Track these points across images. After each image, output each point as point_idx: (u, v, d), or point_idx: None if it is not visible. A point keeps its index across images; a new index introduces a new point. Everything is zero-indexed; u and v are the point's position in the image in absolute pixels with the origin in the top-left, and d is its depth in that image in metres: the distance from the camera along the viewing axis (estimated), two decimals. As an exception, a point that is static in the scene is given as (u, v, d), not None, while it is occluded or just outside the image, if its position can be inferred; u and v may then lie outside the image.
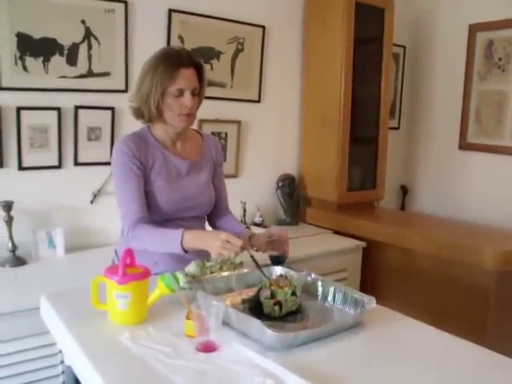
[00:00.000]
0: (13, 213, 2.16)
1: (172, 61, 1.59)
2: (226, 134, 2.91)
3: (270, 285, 1.41)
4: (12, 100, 2.20)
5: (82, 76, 2.36)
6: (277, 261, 1.66)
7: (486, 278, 2.37)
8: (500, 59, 3.24)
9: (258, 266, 1.55)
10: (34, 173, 2.29)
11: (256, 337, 1.21)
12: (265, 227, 2.87)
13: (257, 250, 1.66)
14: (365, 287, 2.74)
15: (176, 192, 1.69)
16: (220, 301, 1.27)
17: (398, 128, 3.79)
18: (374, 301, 1.37)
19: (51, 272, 2.12)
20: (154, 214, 1.66)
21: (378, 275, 2.84)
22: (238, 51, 2.88)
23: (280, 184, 3.12)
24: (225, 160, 2.82)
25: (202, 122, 2.72)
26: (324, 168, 3.10)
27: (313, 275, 1.56)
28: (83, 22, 2.33)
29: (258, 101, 3.03)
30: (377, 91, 3.18)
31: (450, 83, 3.53)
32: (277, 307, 1.35)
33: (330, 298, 1.48)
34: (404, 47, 3.72)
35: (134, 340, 1.20)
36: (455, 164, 3.55)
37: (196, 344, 1.18)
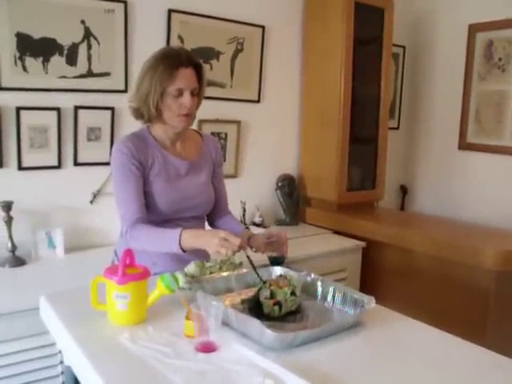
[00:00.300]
0: (12, 213, 2.16)
1: (171, 61, 1.59)
2: (226, 134, 2.91)
3: (270, 285, 1.41)
4: (12, 100, 2.20)
5: (81, 76, 2.36)
6: (276, 262, 1.66)
7: (486, 278, 2.37)
8: (500, 59, 3.24)
9: (254, 268, 1.53)
10: (33, 173, 2.29)
11: (256, 337, 1.21)
12: (264, 227, 2.87)
13: (256, 251, 1.66)
14: (364, 287, 2.74)
15: (175, 192, 1.69)
16: (219, 301, 1.27)
17: (397, 128, 3.79)
18: (374, 301, 1.37)
19: (51, 272, 2.12)
20: (154, 215, 1.65)
21: (378, 275, 2.84)
22: (237, 51, 2.88)
23: (280, 184, 3.12)
24: (224, 160, 2.82)
25: (201, 122, 2.72)
26: (324, 168, 3.09)
27: (312, 275, 1.56)
28: (83, 22, 2.33)
29: (258, 101, 3.03)
30: (376, 91, 3.18)
31: (450, 83, 3.53)
32: (276, 307, 1.35)
33: (329, 298, 1.48)
34: (404, 47, 3.72)
35: (133, 340, 1.20)
36: (455, 164, 3.55)
37: (196, 344, 1.18)
